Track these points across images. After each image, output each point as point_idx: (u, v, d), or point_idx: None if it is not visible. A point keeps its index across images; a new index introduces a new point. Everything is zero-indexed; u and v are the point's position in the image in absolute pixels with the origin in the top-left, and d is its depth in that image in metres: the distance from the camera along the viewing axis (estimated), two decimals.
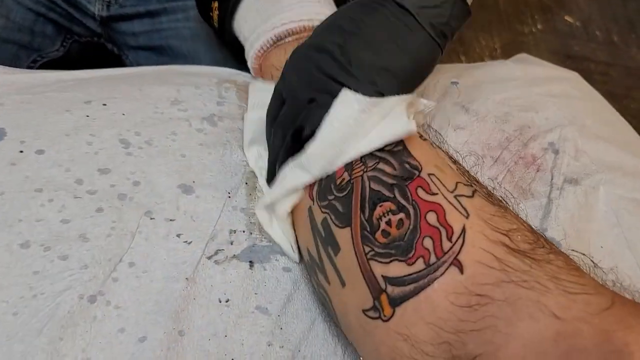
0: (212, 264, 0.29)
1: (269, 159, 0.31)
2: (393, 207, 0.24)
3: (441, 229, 0.22)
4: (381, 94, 0.27)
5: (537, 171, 0.36)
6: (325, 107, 0.26)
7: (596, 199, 0.36)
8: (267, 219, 0.31)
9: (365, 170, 0.26)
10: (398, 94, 0.27)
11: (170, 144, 0.34)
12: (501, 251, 0.21)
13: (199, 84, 0.38)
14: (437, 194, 0.23)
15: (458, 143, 0.36)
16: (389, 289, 0.22)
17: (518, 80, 0.43)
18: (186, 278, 0.28)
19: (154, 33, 0.49)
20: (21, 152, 0.31)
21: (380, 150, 0.26)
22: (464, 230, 0.22)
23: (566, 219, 0.34)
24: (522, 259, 0.21)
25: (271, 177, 0.31)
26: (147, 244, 0.29)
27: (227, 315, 0.28)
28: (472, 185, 0.24)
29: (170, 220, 0.30)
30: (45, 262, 0.27)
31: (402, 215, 0.23)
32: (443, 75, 0.43)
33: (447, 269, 0.21)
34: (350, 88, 0.26)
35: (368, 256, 0.24)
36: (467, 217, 0.22)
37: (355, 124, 0.26)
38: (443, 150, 0.28)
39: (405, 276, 0.22)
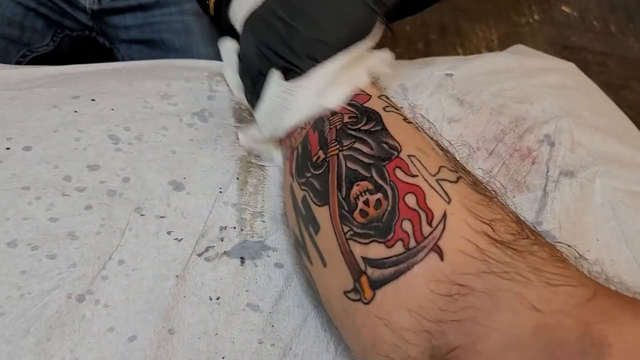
0: (203, 261, 0.29)
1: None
2: (370, 186, 0.23)
3: (421, 212, 0.22)
4: (321, 60, 0.29)
5: (533, 164, 0.35)
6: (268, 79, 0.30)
7: (592, 192, 0.35)
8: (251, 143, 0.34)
9: (340, 149, 0.25)
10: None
11: (160, 140, 0.33)
12: (483, 241, 0.20)
13: (189, 77, 0.38)
14: (417, 176, 0.23)
15: (452, 136, 0.36)
16: (369, 270, 0.22)
17: (513, 71, 0.43)
18: (176, 276, 0.28)
19: (146, 26, 0.48)
20: (7, 149, 0.30)
21: (357, 130, 0.26)
22: (445, 215, 0.21)
23: (562, 212, 0.33)
24: (504, 250, 0.20)
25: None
26: (137, 242, 0.29)
27: (217, 313, 0.28)
28: (457, 172, 0.24)
29: (161, 217, 0.30)
30: (33, 261, 0.27)
31: (379, 195, 0.23)
32: (437, 67, 0.42)
33: (427, 254, 0.21)
34: (291, 63, 0.29)
35: (347, 236, 0.23)
36: (448, 203, 0.22)
37: (282, 101, 0.29)
38: (430, 137, 0.27)
39: (385, 258, 0.22)
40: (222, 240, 0.30)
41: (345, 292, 0.23)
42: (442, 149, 0.26)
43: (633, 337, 0.17)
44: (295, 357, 0.27)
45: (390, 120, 0.26)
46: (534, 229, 0.23)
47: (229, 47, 0.36)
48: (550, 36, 1.32)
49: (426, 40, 1.26)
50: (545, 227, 0.32)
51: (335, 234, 0.24)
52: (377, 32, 0.31)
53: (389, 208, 0.22)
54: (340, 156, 0.25)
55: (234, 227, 0.31)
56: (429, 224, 0.21)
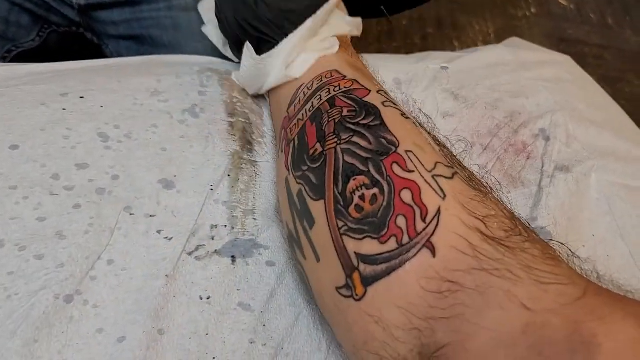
0: (193, 260, 0.29)
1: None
2: (367, 181, 0.23)
3: (415, 208, 0.21)
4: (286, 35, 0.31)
5: (528, 159, 0.35)
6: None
7: (588, 186, 0.35)
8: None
9: (338, 142, 0.25)
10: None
11: (150, 137, 0.33)
12: (476, 237, 0.20)
13: (180, 73, 0.37)
14: (413, 171, 0.23)
15: (447, 131, 0.35)
16: (362, 266, 0.22)
17: (509, 65, 0.42)
18: (166, 275, 0.28)
19: (135, 22, 0.47)
20: None
21: (356, 124, 0.25)
22: (439, 211, 0.21)
23: (557, 208, 0.33)
24: (496, 247, 0.20)
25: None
26: (127, 241, 0.28)
27: (208, 313, 0.27)
28: (453, 167, 0.23)
29: (151, 215, 0.30)
30: (20, 261, 0.26)
31: (375, 190, 0.23)
32: (433, 61, 0.41)
33: (419, 250, 0.20)
34: (263, 32, 0.32)
35: (341, 231, 0.23)
36: (443, 199, 0.22)
37: (256, 71, 0.33)
38: (428, 132, 0.27)
39: (377, 255, 0.21)
40: (212, 239, 0.30)
41: (337, 288, 0.23)
42: (438, 144, 0.26)
43: (623, 336, 0.17)
44: (287, 357, 0.27)
45: (388, 115, 0.26)
46: (527, 225, 0.23)
47: (207, 7, 0.38)
48: (547, 29, 1.32)
49: (423, 35, 1.26)
50: (540, 223, 0.32)
51: (330, 229, 0.23)
52: None
53: (385, 203, 0.22)
54: (338, 150, 0.25)
55: (225, 226, 0.31)
56: (423, 220, 0.21)
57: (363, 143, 0.25)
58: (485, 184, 0.25)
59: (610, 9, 1.36)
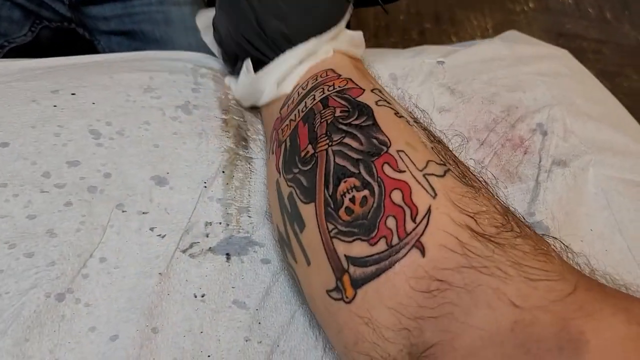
0: (187, 258, 0.28)
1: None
2: (357, 183, 0.23)
3: (406, 208, 0.21)
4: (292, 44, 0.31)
5: (525, 153, 0.35)
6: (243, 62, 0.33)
7: (585, 181, 0.35)
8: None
9: (330, 144, 0.25)
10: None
11: (143, 134, 0.32)
12: (465, 235, 0.20)
13: (173, 69, 0.37)
14: (404, 171, 0.22)
15: (443, 126, 0.35)
16: (351, 269, 0.21)
17: (506, 59, 0.42)
18: (159, 273, 0.27)
19: (126, 17, 0.47)
20: None
21: (348, 124, 0.25)
22: (429, 211, 0.21)
23: (554, 202, 0.33)
24: (485, 244, 0.20)
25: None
26: (119, 239, 0.28)
27: (202, 311, 0.27)
28: (445, 165, 0.23)
29: (143, 213, 0.29)
30: (10, 260, 0.26)
31: (366, 192, 0.22)
32: (429, 55, 0.41)
33: (408, 251, 0.20)
34: (262, 53, 0.32)
35: (331, 234, 0.23)
36: (434, 197, 0.21)
37: (251, 88, 0.33)
38: (423, 128, 0.27)
39: (367, 257, 0.21)
40: (207, 236, 0.29)
41: (328, 291, 0.22)
42: (433, 140, 0.25)
43: (611, 333, 0.16)
44: (282, 355, 0.27)
45: (381, 115, 0.25)
46: (522, 220, 0.22)
47: (205, 19, 0.38)
48: (546, 24, 1.31)
49: (420, 30, 1.25)
50: (537, 218, 0.32)
51: (320, 232, 0.23)
52: (344, 21, 0.32)
53: (375, 205, 0.22)
54: (330, 151, 0.25)
55: (220, 223, 0.30)
56: (413, 220, 0.21)
57: (354, 144, 0.24)
58: (480, 179, 0.24)
59: (609, 4, 1.36)
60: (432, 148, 0.24)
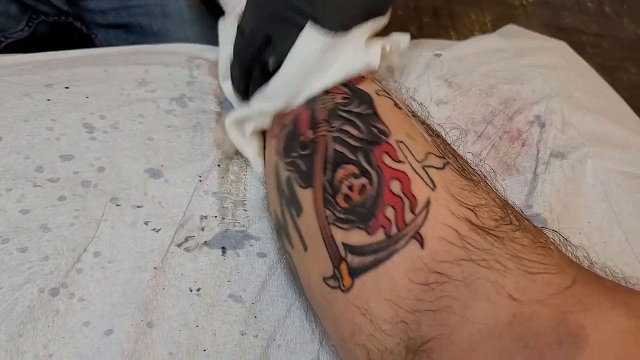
0: (182, 252, 0.28)
1: (232, 86, 0.31)
2: (356, 170, 0.23)
3: (404, 199, 0.21)
4: (345, 28, 0.26)
5: (523, 146, 0.34)
6: (290, 40, 0.26)
7: (583, 173, 0.34)
8: (236, 134, 0.31)
9: (329, 130, 0.25)
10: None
11: (137, 127, 0.32)
12: (465, 227, 0.20)
13: (168, 62, 0.36)
14: (403, 162, 0.22)
15: (441, 119, 0.34)
16: (349, 257, 0.21)
17: (504, 52, 0.41)
18: (154, 267, 0.27)
19: (123, 10, 0.47)
20: None
21: (348, 112, 0.25)
22: (428, 202, 0.21)
23: (552, 195, 0.32)
24: (484, 237, 0.19)
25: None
26: (113, 233, 0.28)
27: (198, 305, 0.27)
28: (444, 158, 0.23)
29: (138, 206, 0.29)
30: (3, 254, 0.26)
31: (364, 180, 0.22)
32: (426, 48, 0.41)
33: (407, 242, 0.20)
34: (318, 21, 0.25)
35: (329, 220, 0.22)
36: (433, 190, 0.21)
37: (316, 61, 0.26)
38: (421, 121, 0.26)
39: (365, 246, 0.21)
40: (202, 230, 0.29)
41: (325, 279, 0.22)
42: (431, 134, 0.25)
43: (610, 327, 0.16)
44: (279, 348, 0.27)
45: (381, 105, 0.25)
46: (520, 213, 0.22)
47: (230, 26, 0.32)
48: (545, 18, 1.31)
49: (419, 25, 1.24)
50: (535, 210, 0.31)
51: (318, 218, 0.23)
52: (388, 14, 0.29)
53: (373, 194, 0.22)
54: (329, 137, 0.24)
55: (215, 216, 0.30)
56: (412, 211, 0.21)
57: (354, 131, 0.24)
58: (479, 173, 0.24)
59: None
60: (431, 141, 0.24)
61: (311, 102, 0.27)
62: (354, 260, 0.21)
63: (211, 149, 0.32)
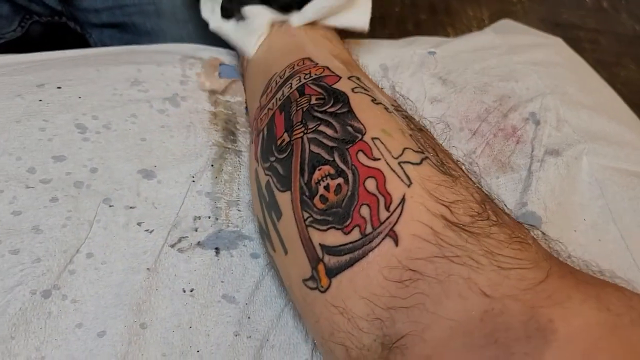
0: (176, 253, 0.28)
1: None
2: (332, 170, 0.23)
3: (380, 196, 0.21)
4: None
5: (517, 143, 0.34)
6: None
7: (579, 170, 0.34)
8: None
9: (305, 131, 0.25)
10: None
11: (129, 127, 0.32)
12: (439, 224, 0.20)
13: (161, 61, 0.36)
14: (379, 159, 0.22)
15: (435, 117, 0.34)
16: (326, 258, 0.21)
17: (498, 49, 0.41)
18: (147, 268, 0.27)
19: (117, 9, 0.46)
20: None
21: (323, 112, 0.25)
22: (403, 199, 0.20)
23: (547, 192, 0.32)
24: (459, 233, 0.19)
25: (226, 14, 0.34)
26: (106, 234, 0.28)
27: (191, 306, 0.27)
28: (423, 152, 0.23)
29: (131, 207, 0.29)
30: None
31: (340, 180, 0.22)
32: (420, 46, 0.41)
33: (382, 240, 0.20)
34: None
35: (306, 222, 0.22)
36: (408, 186, 0.21)
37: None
38: (404, 115, 0.26)
39: (341, 246, 0.21)
40: (195, 231, 0.29)
41: (304, 280, 0.22)
42: (413, 127, 0.25)
43: (579, 321, 0.16)
44: (272, 349, 0.26)
45: (357, 102, 0.25)
46: (501, 207, 0.22)
47: None
48: (542, 13, 1.30)
49: (416, 21, 1.24)
50: (530, 208, 0.31)
51: (296, 220, 0.23)
52: None
53: (349, 193, 0.22)
54: (305, 139, 0.24)
55: (209, 217, 0.30)
56: (387, 208, 0.21)
57: (329, 132, 0.24)
58: (462, 167, 0.24)
59: None
60: (410, 135, 0.24)
61: (285, 105, 0.27)
62: (331, 260, 0.21)
63: (205, 149, 0.32)
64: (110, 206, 0.29)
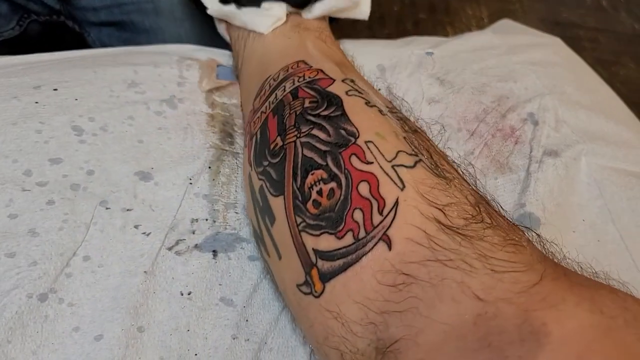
0: (173, 255, 0.28)
1: None
2: (324, 175, 0.22)
3: (373, 201, 0.21)
4: None
5: (516, 144, 0.34)
6: None
7: (578, 171, 0.34)
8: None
9: (298, 135, 0.24)
10: None
11: (126, 130, 0.32)
12: (433, 227, 0.20)
13: (158, 62, 0.36)
14: (372, 163, 0.22)
15: (433, 117, 0.34)
16: (320, 263, 0.21)
17: (497, 49, 0.41)
18: (144, 271, 0.27)
19: (115, 8, 0.46)
20: None
21: (316, 115, 0.25)
22: (396, 203, 0.20)
23: (546, 193, 0.32)
24: (452, 236, 0.19)
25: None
26: (103, 236, 0.28)
27: (189, 309, 0.27)
28: (417, 155, 0.23)
29: (127, 210, 0.29)
30: None
31: (333, 184, 0.22)
32: (418, 46, 0.40)
33: (375, 244, 0.20)
34: None
35: (299, 227, 0.22)
36: (402, 189, 0.21)
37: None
38: (399, 117, 0.26)
39: (334, 250, 0.21)
40: (193, 233, 0.29)
41: (298, 285, 0.22)
42: (407, 129, 0.25)
43: (573, 323, 0.16)
44: (270, 352, 0.26)
45: (351, 105, 0.25)
46: (497, 210, 0.22)
47: None
48: (542, 12, 1.30)
49: (415, 20, 1.24)
50: (528, 209, 0.31)
51: (289, 225, 0.23)
52: None
53: (342, 198, 0.21)
54: (298, 143, 0.24)
55: (206, 219, 0.30)
56: (380, 212, 0.20)
57: (322, 135, 0.24)
58: (458, 169, 0.24)
59: None
60: (404, 138, 0.24)
61: (279, 109, 0.27)
62: (324, 265, 0.21)
63: (202, 151, 0.32)
64: (107, 209, 0.28)
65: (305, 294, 0.22)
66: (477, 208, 0.21)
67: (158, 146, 0.31)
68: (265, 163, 0.25)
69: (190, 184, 0.31)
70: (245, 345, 0.26)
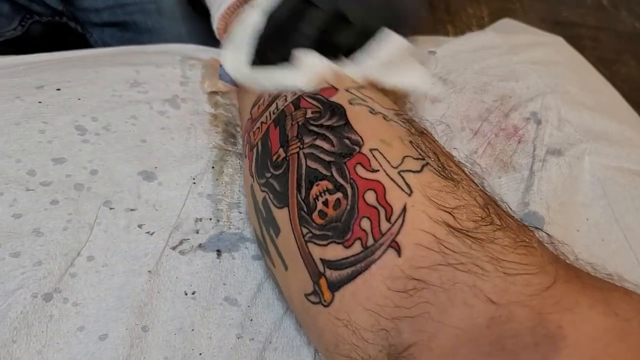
0: (177, 255, 0.28)
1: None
2: (330, 186, 0.22)
3: (380, 208, 0.21)
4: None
5: (519, 143, 0.34)
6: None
7: (581, 170, 0.34)
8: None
9: (301, 147, 0.24)
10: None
11: (129, 129, 0.32)
12: (442, 231, 0.19)
13: (160, 62, 0.36)
14: (378, 170, 0.22)
15: (435, 117, 0.34)
16: (328, 272, 0.21)
17: (498, 48, 0.41)
18: (149, 271, 0.27)
19: (118, 8, 0.46)
20: None
21: (319, 125, 0.25)
22: (404, 209, 0.20)
23: (549, 192, 0.32)
24: (462, 239, 0.19)
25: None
26: (107, 236, 0.28)
27: (193, 308, 0.27)
28: (423, 159, 0.23)
29: (131, 209, 0.29)
30: None
31: (339, 194, 0.22)
32: (420, 46, 0.40)
33: (384, 251, 0.20)
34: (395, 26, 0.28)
35: (306, 238, 0.22)
36: (409, 195, 0.21)
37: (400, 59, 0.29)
38: (405, 119, 0.26)
39: (342, 259, 0.21)
40: (197, 233, 0.29)
41: (306, 295, 0.22)
42: (413, 133, 0.25)
43: (588, 326, 0.16)
44: (275, 352, 0.26)
45: (354, 113, 0.25)
46: (506, 210, 0.22)
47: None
48: (542, 12, 1.30)
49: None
50: (532, 208, 0.31)
51: (295, 237, 0.23)
52: None
53: (348, 207, 0.21)
54: (301, 154, 0.24)
55: (210, 219, 0.30)
56: (388, 219, 0.20)
57: (326, 146, 0.24)
58: (464, 170, 0.24)
59: None
60: (410, 142, 0.24)
61: (280, 119, 0.27)
62: (333, 274, 0.21)
63: (205, 151, 0.32)
64: (110, 208, 0.28)
65: (314, 303, 0.22)
66: (486, 210, 0.21)
67: (161, 146, 0.31)
68: (268, 175, 0.25)
69: (194, 183, 0.31)
70: (249, 344, 0.26)
